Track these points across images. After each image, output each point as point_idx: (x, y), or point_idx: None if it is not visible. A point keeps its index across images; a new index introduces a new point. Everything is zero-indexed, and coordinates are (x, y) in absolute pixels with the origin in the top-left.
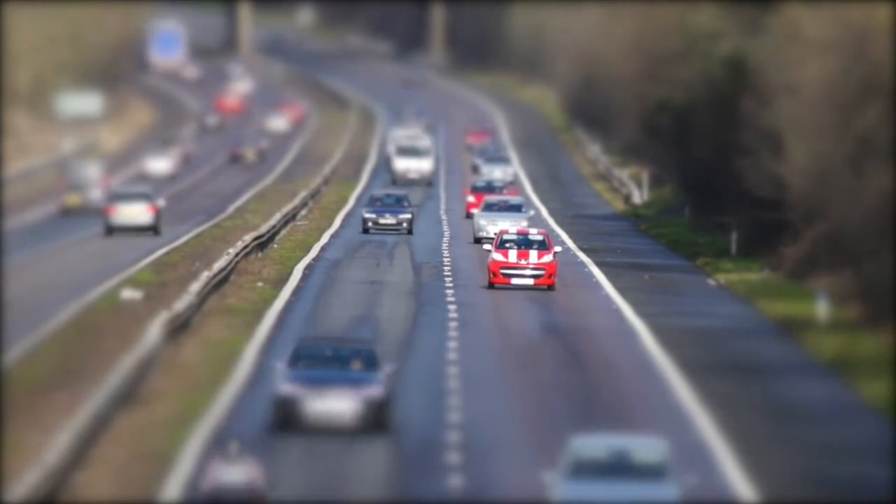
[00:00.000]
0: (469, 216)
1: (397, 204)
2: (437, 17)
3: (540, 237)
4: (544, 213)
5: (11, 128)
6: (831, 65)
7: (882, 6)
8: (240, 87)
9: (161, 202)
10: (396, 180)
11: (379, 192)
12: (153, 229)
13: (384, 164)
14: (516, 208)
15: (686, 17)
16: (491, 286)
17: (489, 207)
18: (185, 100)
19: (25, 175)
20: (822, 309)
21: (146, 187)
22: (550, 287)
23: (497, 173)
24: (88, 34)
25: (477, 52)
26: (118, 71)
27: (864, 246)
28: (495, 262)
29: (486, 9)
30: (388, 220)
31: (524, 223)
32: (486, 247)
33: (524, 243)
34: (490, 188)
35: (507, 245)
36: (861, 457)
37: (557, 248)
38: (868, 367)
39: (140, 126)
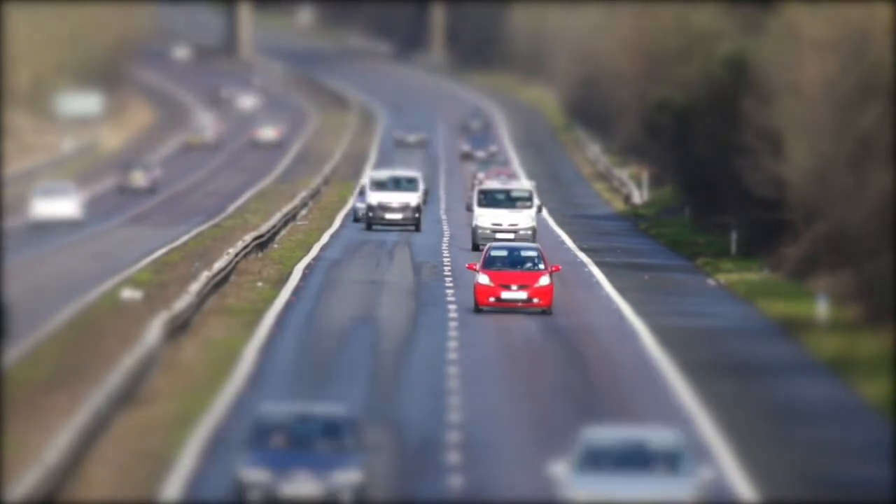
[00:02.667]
0: (479, 310)
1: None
2: (437, 17)
3: None
4: (544, 213)
5: (11, 128)
6: (831, 65)
7: (882, 6)
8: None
9: (284, 127)
10: (478, 242)
11: (274, 408)
12: (280, 145)
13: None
14: (658, 462)
15: (686, 16)
16: None
17: (596, 462)
18: (185, 98)
19: (26, 175)
20: (822, 309)
21: (276, 120)
22: None
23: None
24: (88, 34)
25: (477, 52)
26: (118, 71)
27: (864, 246)
28: None
29: (486, 9)
30: (304, 487)
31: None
32: None
33: None
34: (516, 260)
35: None
36: (861, 457)
37: None
38: (868, 367)
39: (140, 126)
